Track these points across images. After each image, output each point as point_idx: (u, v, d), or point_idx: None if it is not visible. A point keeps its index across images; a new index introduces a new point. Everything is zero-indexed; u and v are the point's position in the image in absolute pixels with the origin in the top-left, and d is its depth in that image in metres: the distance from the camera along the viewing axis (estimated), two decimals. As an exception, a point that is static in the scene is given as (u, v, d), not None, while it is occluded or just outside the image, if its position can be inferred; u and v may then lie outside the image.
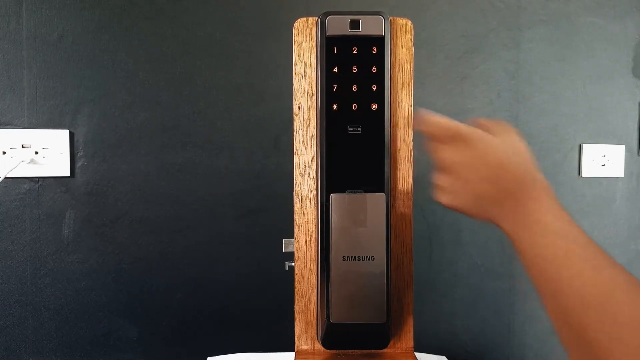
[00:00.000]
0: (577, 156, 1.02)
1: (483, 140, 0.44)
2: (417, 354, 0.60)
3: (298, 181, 0.60)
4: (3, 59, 0.85)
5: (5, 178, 0.85)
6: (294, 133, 0.60)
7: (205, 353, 0.86)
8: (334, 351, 0.59)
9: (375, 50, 0.58)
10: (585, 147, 1.02)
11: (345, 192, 0.57)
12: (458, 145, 0.45)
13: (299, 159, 0.60)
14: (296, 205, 0.60)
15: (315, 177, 0.60)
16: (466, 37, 0.97)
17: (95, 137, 0.88)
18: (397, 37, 0.60)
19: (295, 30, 0.60)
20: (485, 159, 0.44)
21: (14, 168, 0.84)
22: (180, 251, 0.91)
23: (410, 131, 0.60)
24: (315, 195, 0.60)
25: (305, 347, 0.60)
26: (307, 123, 0.60)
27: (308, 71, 0.60)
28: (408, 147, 0.60)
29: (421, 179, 0.97)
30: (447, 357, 0.67)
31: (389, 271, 0.57)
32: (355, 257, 0.56)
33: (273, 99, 0.91)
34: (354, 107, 0.58)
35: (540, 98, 1.00)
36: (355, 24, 0.58)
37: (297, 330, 0.60)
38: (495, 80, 0.98)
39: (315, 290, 0.60)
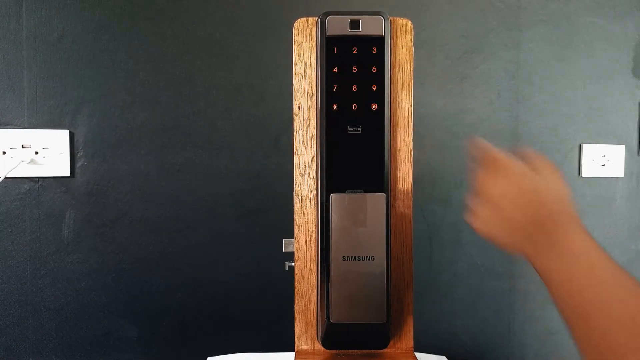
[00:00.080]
0: (577, 156, 1.02)
1: (524, 174, 0.46)
2: (417, 354, 0.60)
3: (298, 181, 0.60)
4: (3, 59, 0.85)
5: (5, 178, 0.85)
6: (294, 133, 0.60)
7: (205, 353, 0.86)
8: (334, 351, 0.59)
9: (375, 50, 0.58)
10: (585, 147, 1.02)
11: (345, 192, 0.57)
12: (499, 172, 0.47)
13: (299, 159, 0.60)
14: (296, 205, 0.60)
15: (315, 177, 0.60)
16: (466, 37, 0.97)
17: (95, 137, 0.88)
18: (397, 37, 0.60)
19: (295, 30, 0.60)
20: (521, 189, 0.45)
21: (14, 168, 0.84)
22: (180, 251, 0.91)
23: (410, 131, 0.60)
24: (315, 195, 0.60)
25: (305, 347, 0.60)
26: (307, 123, 0.60)
27: (308, 71, 0.60)
28: (408, 147, 0.60)
29: (421, 179, 0.98)
30: (447, 357, 0.67)
31: (389, 271, 0.57)
32: (355, 257, 0.56)
33: (273, 99, 0.91)
34: (354, 107, 0.58)
35: (540, 98, 1.00)
36: (355, 24, 0.58)
37: (297, 330, 0.60)
38: (495, 80, 0.98)
39: (315, 290, 0.60)
